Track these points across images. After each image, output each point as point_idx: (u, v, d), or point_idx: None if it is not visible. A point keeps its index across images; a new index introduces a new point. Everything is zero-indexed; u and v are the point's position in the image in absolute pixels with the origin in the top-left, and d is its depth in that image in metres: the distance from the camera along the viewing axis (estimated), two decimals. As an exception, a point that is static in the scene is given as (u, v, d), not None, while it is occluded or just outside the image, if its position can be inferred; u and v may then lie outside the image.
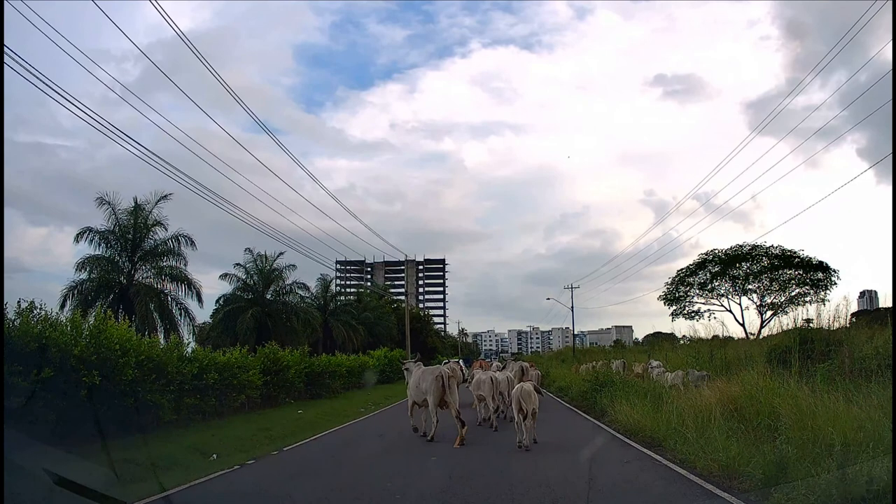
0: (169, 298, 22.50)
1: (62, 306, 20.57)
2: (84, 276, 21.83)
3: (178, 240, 22.77)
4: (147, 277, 22.53)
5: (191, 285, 22.86)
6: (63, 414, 9.65)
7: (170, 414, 12.74)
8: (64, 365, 10.42)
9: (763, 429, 8.41)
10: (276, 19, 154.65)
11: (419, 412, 11.94)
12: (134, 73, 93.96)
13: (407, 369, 12.52)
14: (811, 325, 14.93)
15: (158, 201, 22.20)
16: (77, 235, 21.91)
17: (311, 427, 14.00)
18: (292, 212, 39.65)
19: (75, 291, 21.61)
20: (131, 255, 22.20)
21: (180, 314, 22.60)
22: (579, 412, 16.20)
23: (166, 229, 22.69)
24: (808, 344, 12.72)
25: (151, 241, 22.59)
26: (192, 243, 23.13)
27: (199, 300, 23.21)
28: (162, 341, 15.70)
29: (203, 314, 30.49)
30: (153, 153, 14.46)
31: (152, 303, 21.66)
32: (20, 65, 10.12)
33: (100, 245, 21.97)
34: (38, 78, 10.63)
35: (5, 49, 8.49)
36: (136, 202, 22.21)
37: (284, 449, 10.71)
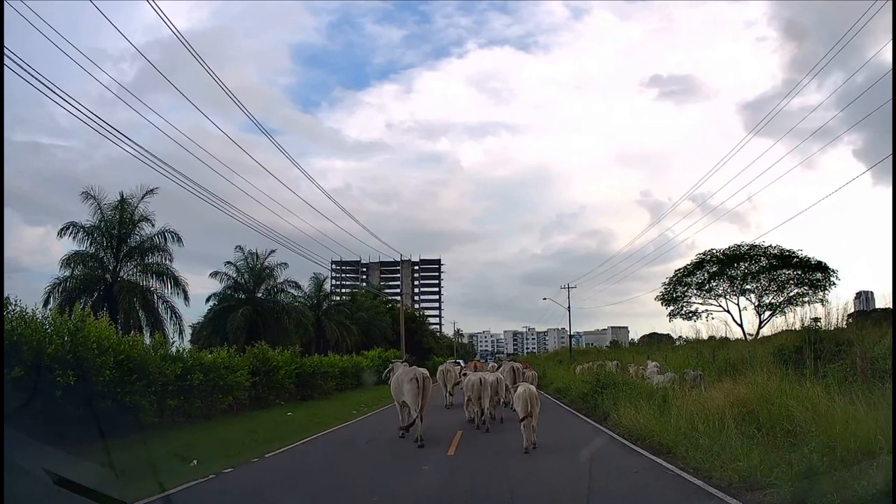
0: (155, 296, 21.79)
1: (45, 304, 19.88)
2: (68, 272, 21.14)
3: (165, 236, 22.08)
4: (132, 274, 21.82)
5: (177, 282, 22.16)
6: (36, 415, 9.10)
7: (151, 416, 12.24)
8: (37, 364, 9.98)
9: (779, 434, 7.90)
10: (272, 19, 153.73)
11: (409, 414, 11.59)
12: (131, 72, 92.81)
13: (391, 369, 12.42)
14: (819, 324, 14.50)
15: (144, 195, 21.53)
16: (60, 231, 21.18)
17: (299, 430, 13.44)
18: (289, 212, 39.12)
19: (59, 289, 20.92)
20: (116, 252, 21.48)
21: (167, 312, 21.91)
22: (580, 415, 15.67)
23: (153, 225, 22.04)
24: (818, 344, 12.28)
25: (137, 238, 21.89)
26: (179, 239, 22.46)
27: (186, 298, 22.54)
28: (147, 340, 15.16)
29: (198, 314, 29.94)
30: (150, 153, 14.34)
31: (137, 300, 20.95)
32: (17, 64, 10.03)
33: (84, 241, 21.30)
34: (35, 77, 10.51)
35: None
36: (121, 196, 21.53)
37: (266, 455, 10.05)
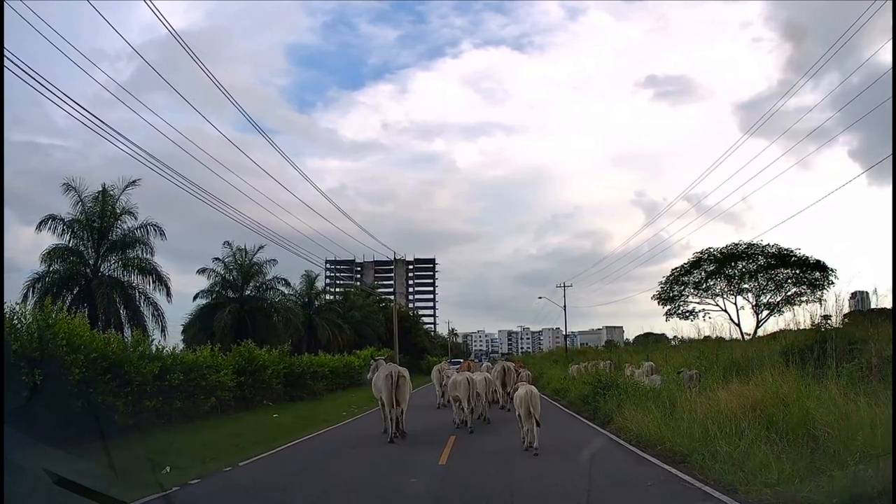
0: (137, 292, 20.87)
1: (24, 300, 18.97)
2: (47, 267, 20.21)
3: (147, 229, 21.14)
4: (113, 269, 20.86)
5: (160, 278, 21.26)
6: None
7: (126, 418, 11.50)
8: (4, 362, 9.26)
9: (801, 438, 7.27)
10: (268, 19, 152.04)
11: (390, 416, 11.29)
12: (127, 71, 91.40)
13: (375, 367, 12.29)
14: (829, 322, 13.97)
15: (127, 186, 20.56)
16: (38, 224, 20.18)
17: (284, 433, 12.72)
18: (285, 211, 38.40)
19: (38, 285, 20.00)
20: (97, 246, 20.58)
21: (148, 309, 21.00)
22: (581, 418, 14.98)
23: (135, 218, 21.09)
24: (829, 342, 11.73)
25: (119, 231, 20.95)
26: (162, 233, 21.47)
27: (168, 294, 21.62)
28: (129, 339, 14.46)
29: (187, 311, 29.06)
30: (147, 152, 14.24)
31: (118, 296, 20.05)
32: (15, 64, 10.00)
33: (64, 234, 20.34)
34: (32, 77, 10.43)
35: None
36: (103, 187, 20.59)
37: (240, 464, 9.21)
